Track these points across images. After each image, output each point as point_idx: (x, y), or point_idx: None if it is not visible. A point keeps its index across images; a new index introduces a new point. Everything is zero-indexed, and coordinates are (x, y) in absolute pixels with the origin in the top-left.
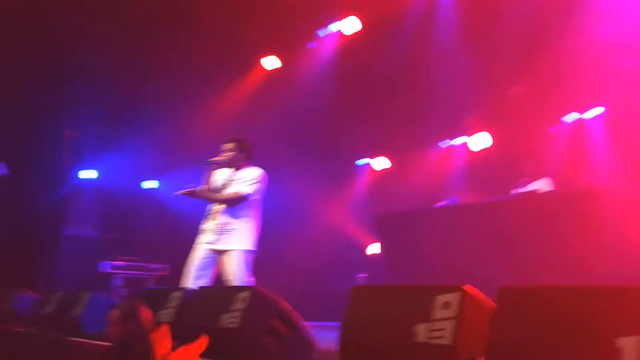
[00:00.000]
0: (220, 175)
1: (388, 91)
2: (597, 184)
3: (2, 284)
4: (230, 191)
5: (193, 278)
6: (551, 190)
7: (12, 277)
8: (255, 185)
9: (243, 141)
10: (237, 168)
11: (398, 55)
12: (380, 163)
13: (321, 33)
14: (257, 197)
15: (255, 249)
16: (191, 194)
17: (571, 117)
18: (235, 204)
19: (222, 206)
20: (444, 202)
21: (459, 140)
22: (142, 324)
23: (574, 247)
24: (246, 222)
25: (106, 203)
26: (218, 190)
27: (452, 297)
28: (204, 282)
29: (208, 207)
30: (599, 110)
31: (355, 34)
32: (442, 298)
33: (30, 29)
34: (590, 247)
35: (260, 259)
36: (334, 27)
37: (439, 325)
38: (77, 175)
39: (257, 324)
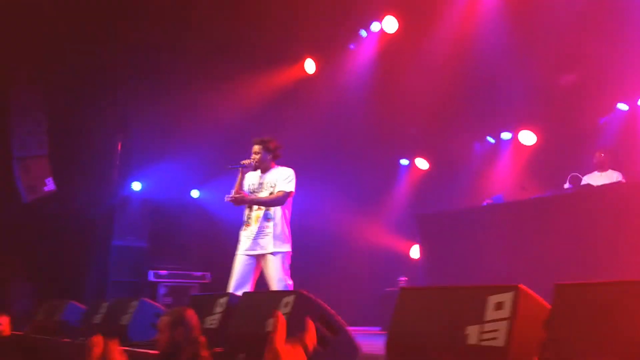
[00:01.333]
0: (249, 180)
1: (431, 88)
2: None
3: (51, 295)
4: (265, 194)
5: (236, 287)
6: (610, 183)
7: (61, 288)
8: (292, 182)
9: (269, 141)
10: (265, 170)
11: (441, 50)
12: (423, 163)
13: (363, 33)
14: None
15: (291, 250)
16: (235, 201)
17: (623, 105)
18: (281, 203)
19: (259, 211)
20: (488, 201)
21: (505, 136)
22: (191, 330)
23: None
24: (281, 224)
25: (153, 213)
26: (250, 194)
27: (506, 297)
28: (246, 289)
29: (245, 213)
30: None
31: (396, 32)
32: (494, 298)
33: (80, 31)
34: None
35: (303, 263)
36: (375, 26)
37: (491, 327)
38: (126, 186)
39: (301, 328)
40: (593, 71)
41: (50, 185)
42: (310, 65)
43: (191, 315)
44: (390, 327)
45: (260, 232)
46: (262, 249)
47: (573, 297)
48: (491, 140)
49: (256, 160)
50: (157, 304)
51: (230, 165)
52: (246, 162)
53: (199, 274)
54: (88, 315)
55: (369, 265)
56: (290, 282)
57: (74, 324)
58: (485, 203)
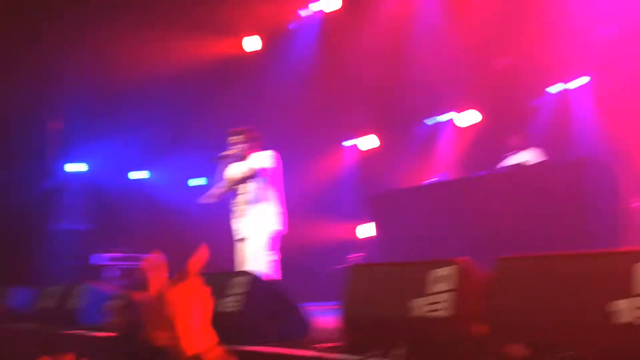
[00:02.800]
0: (235, 169)
1: (372, 69)
2: (585, 153)
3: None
4: (251, 180)
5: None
6: (539, 162)
7: (4, 273)
8: (268, 160)
9: (249, 131)
10: (246, 157)
11: (381, 32)
12: (368, 142)
13: (303, 13)
14: (271, 174)
15: (281, 228)
16: (211, 198)
17: (556, 88)
18: (251, 177)
19: (244, 197)
20: (434, 179)
21: (446, 117)
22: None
23: (562, 216)
24: (266, 204)
25: (93, 195)
26: (233, 183)
27: (448, 271)
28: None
29: (232, 202)
30: (584, 80)
31: (336, 12)
32: (438, 272)
33: (15, 15)
34: (578, 215)
35: None
36: (315, 6)
37: (436, 299)
38: (64, 168)
39: (256, 307)
40: (525, 56)
41: None
42: (253, 43)
43: (142, 295)
44: (342, 302)
45: (246, 215)
46: (247, 231)
47: (512, 269)
48: (433, 120)
49: (239, 150)
50: (105, 287)
51: (214, 158)
52: (225, 153)
53: (146, 255)
54: (36, 299)
55: (318, 245)
56: (277, 257)
57: (22, 309)
58: (429, 181)
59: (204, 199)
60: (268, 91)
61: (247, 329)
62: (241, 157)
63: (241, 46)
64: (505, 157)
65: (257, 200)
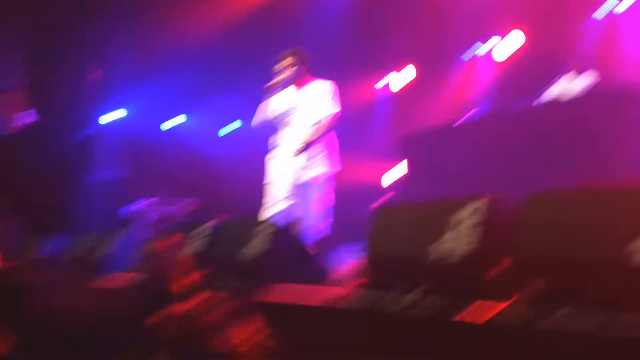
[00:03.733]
0: (280, 99)
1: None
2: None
3: (38, 230)
4: (308, 116)
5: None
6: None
7: (48, 223)
8: (336, 98)
9: (301, 51)
10: (300, 85)
11: None
12: (404, 77)
13: None
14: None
15: (338, 168)
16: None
17: (602, 11)
18: (332, 128)
19: (300, 133)
20: (473, 112)
21: (491, 43)
22: (179, 253)
23: (610, 149)
24: (326, 143)
25: (130, 143)
26: (284, 116)
27: (476, 205)
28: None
29: (274, 138)
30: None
31: None
32: (465, 207)
33: None
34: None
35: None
36: None
37: (462, 234)
38: (101, 117)
39: (279, 250)
40: None
41: (28, 116)
42: None
43: (178, 239)
44: (369, 242)
45: (307, 156)
46: (310, 172)
47: (541, 203)
48: (471, 53)
49: (291, 74)
50: (142, 231)
51: (264, 88)
52: (278, 80)
53: (188, 200)
54: (68, 247)
55: (348, 189)
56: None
57: (55, 257)
58: (469, 116)
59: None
60: (304, 29)
61: (268, 273)
62: (291, 83)
63: None
64: (557, 80)
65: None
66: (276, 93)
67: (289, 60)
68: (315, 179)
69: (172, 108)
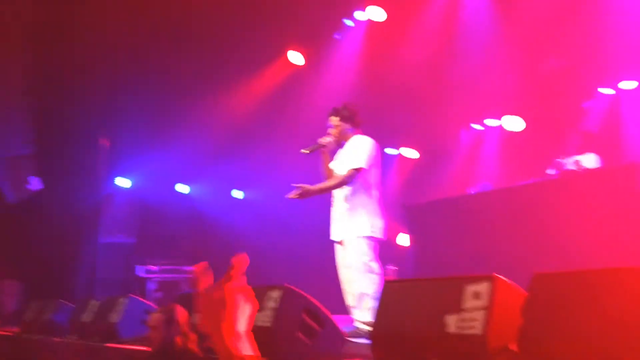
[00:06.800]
0: (337, 157)
1: (416, 78)
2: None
3: (40, 294)
4: (337, 171)
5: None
6: (586, 168)
7: (50, 287)
8: (364, 155)
9: (344, 109)
10: (346, 140)
11: (424, 41)
12: (410, 153)
13: (347, 22)
14: (368, 167)
15: (381, 236)
16: (301, 196)
17: (606, 90)
18: (346, 183)
19: (340, 192)
20: (475, 189)
21: (490, 123)
22: (182, 327)
23: (615, 227)
24: (363, 204)
25: (139, 208)
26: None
27: (482, 287)
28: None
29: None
30: (632, 84)
31: (379, 23)
32: (471, 288)
33: (62, 32)
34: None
35: (284, 255)
36: (360, 15)
37: (469, 316)
38: (111, 182)
39: (289, 321)
40: (575, 56)
41: (35, 184)
42: (296, 58)
43: (181, 311)
44: (375, 318)
45: (341, 216)
46: (342, 233)
47: (549, 285)
48: (478, 127)
49: (335, 134)
50: (146, 300)
51: (306, 149)
52: (324, 140)
53: (188, 268)
54: (77, 313)
55: None
56: (381, 270)
57: (63, 322)
58: (472, 191)
59: (290, 195)
60: (313, 101)
61: (280, 343)
62: (339, 142)
63: (285, 61)
64: (561, 161)
65: (350, 199)
66: (327, 151)
67: (334, 119)
68: (348, 239)
69: (180, 175)
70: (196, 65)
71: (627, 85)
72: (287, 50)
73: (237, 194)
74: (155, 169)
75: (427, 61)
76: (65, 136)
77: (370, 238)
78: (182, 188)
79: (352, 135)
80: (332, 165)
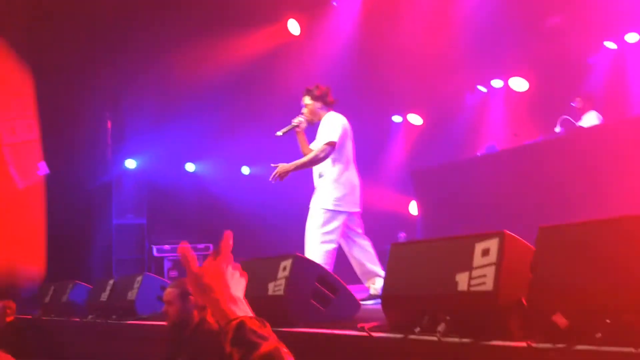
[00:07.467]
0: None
1: (418, 42)
2: None
3: (57, 277)
4: (312, 148)
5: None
6: (597, 124)
7: (66, 269)
8: (335, 130)
9: (314, 89)
10: (319, 120)
11: (426, 3)
12: (416, 119)
13: None
14: (340, 141)
15: (347, 210)
16: (280, 176)
17: (611, 44)
18: (321, 159)
19: (317, 167)
20: (482, 151)
21: (496, 84)
22: (197, 300)
23: (621, 180)
24: (334, 178)
25: (149, 188)
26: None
27: (491, 244)
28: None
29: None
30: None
31: None
32: (481, 245)
33: (72, 10)
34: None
35: (297, 224)
36: None
37: (479, 273)
38: (120, 163)
39: (302, 289)
40: (579, 11)
41: (43, 169)
42: (294, 26)
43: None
44: (385, 281)
45: (316, 189)
46: (312, 205)
47: (556, 238)
48: (482, 89)
49: (306, 114)
50: (161, 277)
51: (280, 131)
52: (296, 120)
53: (201, 245)
54: (94, 293)
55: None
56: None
57: (81, 303)
58: (479, 153)
59: (271, 178)
60: (315, 71)
61: (294, 311)
62: (312, 122)
63: (284, 30)
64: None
65: (322, 173)
66: (301, 130)
67: (306, 99)
68: (315, 213)
69: (189, 153)
70: (194, 36)
71: (632, 38)
72: (288, 19)
73: (246, 170)
74: (163, 148)
75: (429, 24)
76: (71, 118)
77: (331, 211)
78: (189, 167)
79: (325, 114)
80: (312, 145)
